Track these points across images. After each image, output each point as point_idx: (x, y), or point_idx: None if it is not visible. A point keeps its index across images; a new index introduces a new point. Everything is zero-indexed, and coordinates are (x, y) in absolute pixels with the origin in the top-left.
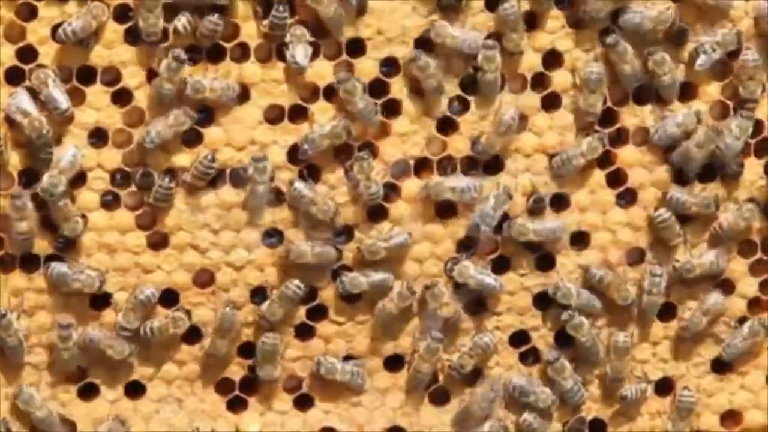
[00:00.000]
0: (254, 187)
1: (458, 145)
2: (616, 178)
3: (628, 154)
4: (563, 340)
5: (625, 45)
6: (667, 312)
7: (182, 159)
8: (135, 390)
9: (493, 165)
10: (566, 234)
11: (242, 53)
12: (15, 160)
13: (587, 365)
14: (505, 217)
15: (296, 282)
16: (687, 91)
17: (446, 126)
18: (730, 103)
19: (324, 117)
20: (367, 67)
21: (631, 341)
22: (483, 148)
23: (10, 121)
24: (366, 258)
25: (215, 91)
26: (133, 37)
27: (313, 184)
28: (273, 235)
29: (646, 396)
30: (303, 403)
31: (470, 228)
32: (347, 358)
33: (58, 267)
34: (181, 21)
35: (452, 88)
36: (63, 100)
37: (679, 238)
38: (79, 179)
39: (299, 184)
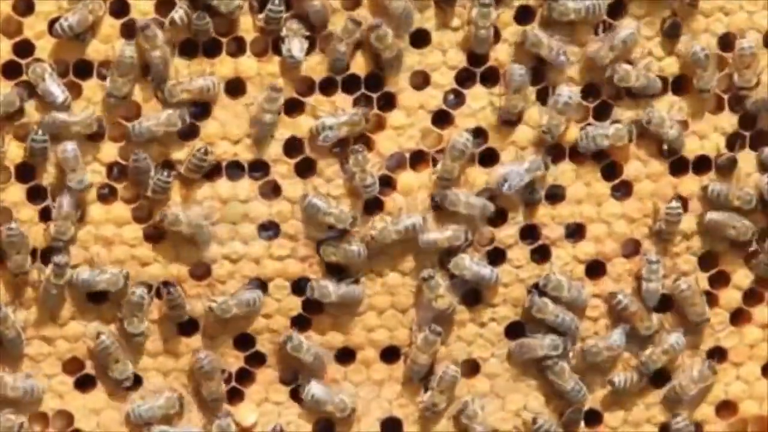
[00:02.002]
0: (261, 114)
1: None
2: (611, 171)
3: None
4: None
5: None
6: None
7: (179, 152)
8: (132, 382)
9: (488, 157)
10: (562, 228)
11: (238, 47)
12: (12, 154)
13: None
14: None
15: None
16: (681, 84)
17: (442, 119)
18: (725, 96)
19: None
20: (363, 61)
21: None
22: (441, 175)
23: (9, 116)
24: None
25: (192, 91)
26: (129, 31)
27: (325, 197)
28: (269, 228)
29: (639, 386)
30: (299, 394)
31: (496, 185)
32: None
33: (80, 274)
34: (179, 13)
35: (448, 81)
36: (60, 94)
37: (678, 236)
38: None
39: (314, 199)
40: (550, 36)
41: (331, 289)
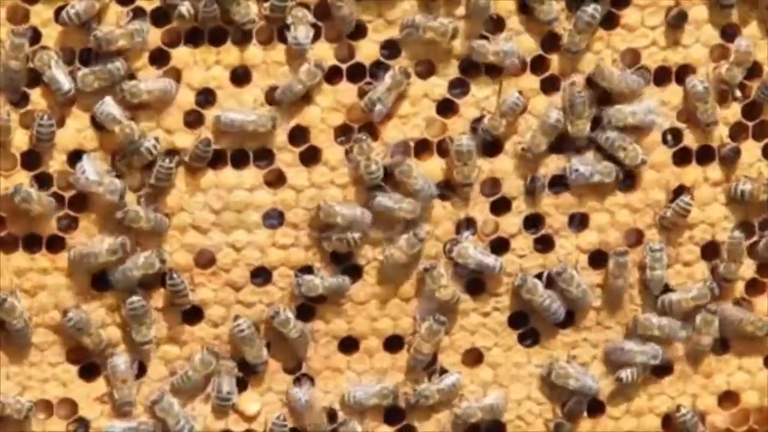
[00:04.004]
0: (294, 83)
1: (458, 128)
2: (614, 161)
3: None
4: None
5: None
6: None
7: (184, 140)
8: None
9: (491, 147)
10: (565, 217)
11: (243, 35)
12: (18, 142)
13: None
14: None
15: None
16: (684, 72)
17: (446, 109)
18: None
19: (325, 99)
20: (368, 50)
21: None
22: (462, 182)
23: (15, 104)
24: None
25: (152, 92)
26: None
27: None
28: (273, 217)
29: (642, 377)
30: (303, 383)
31: (566, 171)
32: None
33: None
34: (185, 5)
35: (452, 71)
36: (65, 82)
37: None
38: (80, 160)
39: (380, 198)
40: None
41: (318, 283)
